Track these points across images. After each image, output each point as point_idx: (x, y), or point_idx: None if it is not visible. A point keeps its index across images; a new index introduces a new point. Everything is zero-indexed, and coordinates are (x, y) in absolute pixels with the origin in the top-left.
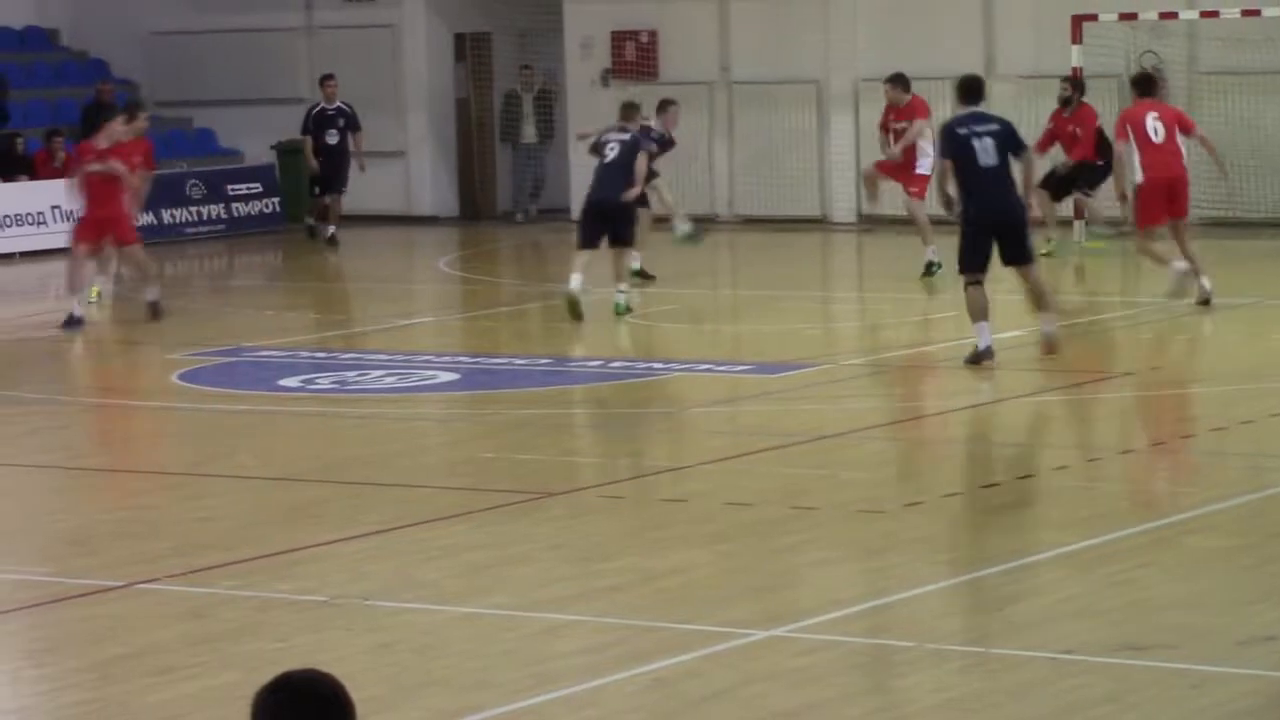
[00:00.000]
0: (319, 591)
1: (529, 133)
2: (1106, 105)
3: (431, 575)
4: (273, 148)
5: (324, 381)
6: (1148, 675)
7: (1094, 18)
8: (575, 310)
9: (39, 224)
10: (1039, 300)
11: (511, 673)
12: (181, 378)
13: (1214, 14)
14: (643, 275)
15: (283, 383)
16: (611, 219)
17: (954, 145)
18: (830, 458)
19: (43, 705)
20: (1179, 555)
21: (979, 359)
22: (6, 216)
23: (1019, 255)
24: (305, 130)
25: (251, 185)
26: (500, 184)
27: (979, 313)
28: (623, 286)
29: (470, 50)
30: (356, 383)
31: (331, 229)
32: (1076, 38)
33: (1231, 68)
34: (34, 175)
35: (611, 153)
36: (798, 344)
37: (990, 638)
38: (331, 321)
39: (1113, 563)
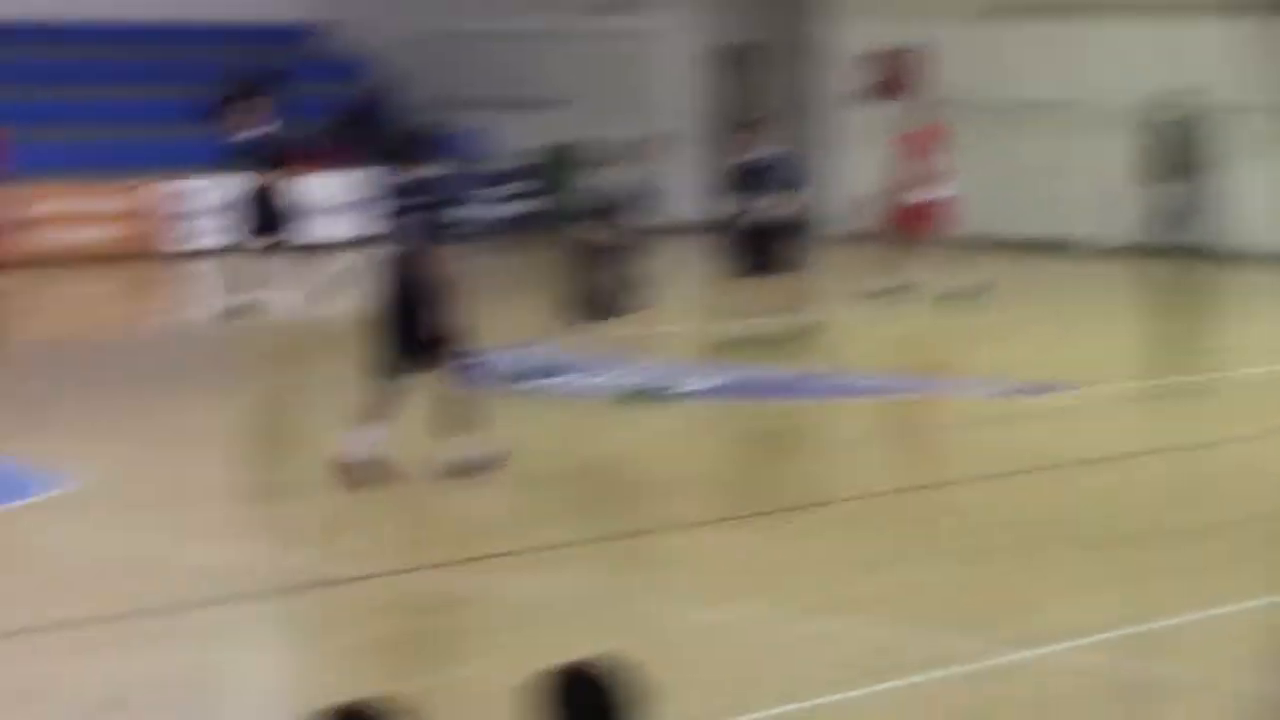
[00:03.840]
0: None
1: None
2: None
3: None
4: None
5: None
6: None
7: None
8: None
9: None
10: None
11: (771, 679)
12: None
13: None
14: None
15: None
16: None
17: None
18: (1098, 481)
19: None
20: None
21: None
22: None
23: None
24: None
25: (513, 186)
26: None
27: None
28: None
29: (738, 63)
30: (675, 386)
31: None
32: None
33: None
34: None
35: None
36: (1077, 365)
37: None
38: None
39: None
